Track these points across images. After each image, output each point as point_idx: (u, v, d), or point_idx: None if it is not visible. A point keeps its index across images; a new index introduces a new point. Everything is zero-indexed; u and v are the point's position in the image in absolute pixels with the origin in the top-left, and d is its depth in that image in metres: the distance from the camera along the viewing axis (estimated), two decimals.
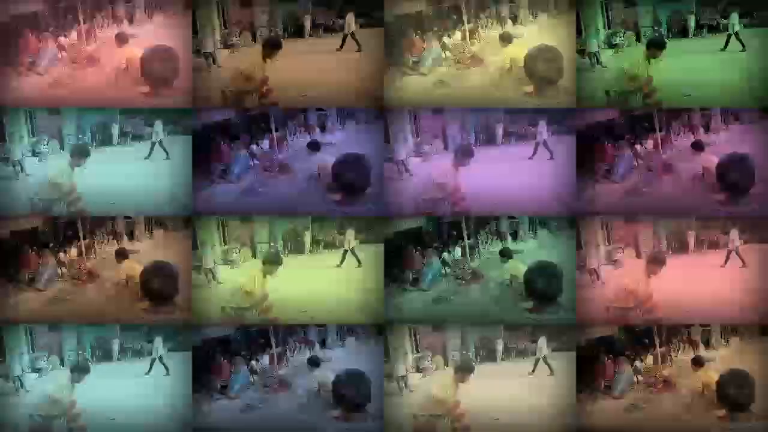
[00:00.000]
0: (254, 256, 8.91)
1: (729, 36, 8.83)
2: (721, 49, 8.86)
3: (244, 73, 8.39)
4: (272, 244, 8.89)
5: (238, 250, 8.88)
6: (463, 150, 8.44)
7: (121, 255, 8.54)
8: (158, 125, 8.65)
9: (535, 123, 8.78)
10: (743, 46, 8.77)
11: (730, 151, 8.37)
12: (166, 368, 8.55)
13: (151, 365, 8.60)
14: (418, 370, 8.68)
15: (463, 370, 8.16)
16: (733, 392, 8.07)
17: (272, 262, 8.34)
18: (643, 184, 8.54)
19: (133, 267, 8.44)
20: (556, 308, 8.27)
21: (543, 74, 8.43)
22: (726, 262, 8.65)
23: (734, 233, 8.64)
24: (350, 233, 8.80)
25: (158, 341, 8.57)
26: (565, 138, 8.44)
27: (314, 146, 8.74)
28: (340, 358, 8.69)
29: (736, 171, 8.26)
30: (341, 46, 8.95)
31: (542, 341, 8.59)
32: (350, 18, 8.96)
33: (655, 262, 8.29)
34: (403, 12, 8.66)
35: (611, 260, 8.70)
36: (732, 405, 8.09)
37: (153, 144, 8.68)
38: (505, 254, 8.64)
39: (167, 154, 8.61)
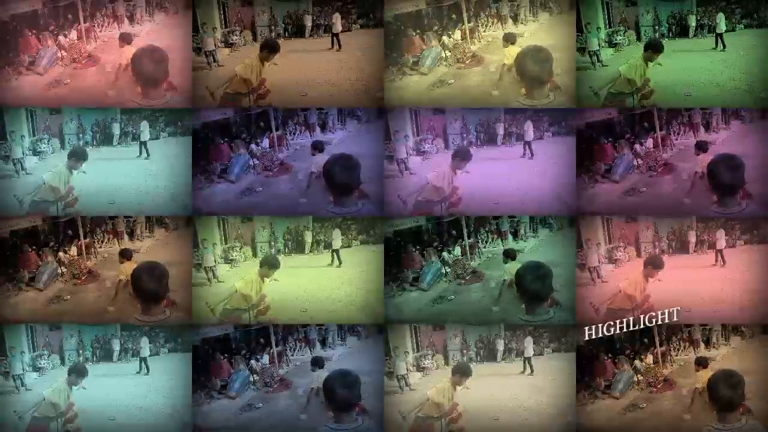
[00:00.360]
0: (255, 255, 8.91)
1: (721, 35, 8.82)
2: (720, 50, 8.84)
3: (241, 75, 8.40)
4: (272, 243, 8.88)
5: (239, 248, 8.88)
6: (461, 153, 8.44)
7: (125, 256, 8.51)
8: (144, 125, 8.66)
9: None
10: (724, 46, 8.79)
11: (731, 151, 8.37)
12: (147, 369, 8.58)
13: (146, 366, 8.61)
14: (419, 368, 8.69)
15: (461, 374, 8.18)
16: (722, 392, 8.05)
17: (270, 265, 8.36)
18: (642, 184, 8.53)
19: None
20: (547, 308, 8.28)
21: (533, 74, 8.41)
22: (723, 262, 8.65)
23: (720, 233, 8.62)
24: (336, 233, 8.80)
25: (144, 341, 8.57)
26: (565, 138, 8.43)
27: (318, 146, 8.67)
28: (341, 358, 8.69)
29: (727, 171, 8.24)
30: (339, 47, 8.94)
31: (528, 341, 8.59)
32: (336, 18, 8.94)
33: (653, 265, 8.29)
34: (403, 11, 8.64)
35: (612, 259, 8.71)
36: (722, 405, 8.07)
37: (144, 143, 8.72)
38: (509, 255, 8.60)
39: (148, 154, 8.65)
